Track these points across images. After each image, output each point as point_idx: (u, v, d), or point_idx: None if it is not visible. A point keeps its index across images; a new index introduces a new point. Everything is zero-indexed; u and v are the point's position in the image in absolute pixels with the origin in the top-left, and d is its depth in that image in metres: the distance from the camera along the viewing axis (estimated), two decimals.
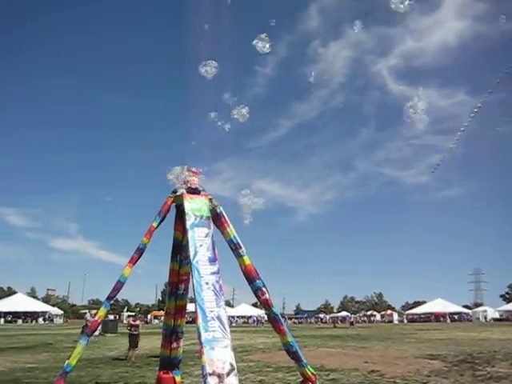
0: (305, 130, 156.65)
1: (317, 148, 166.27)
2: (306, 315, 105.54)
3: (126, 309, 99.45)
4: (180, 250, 10.94)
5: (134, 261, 9.67)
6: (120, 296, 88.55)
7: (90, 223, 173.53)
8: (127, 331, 19.93)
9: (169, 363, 11.58)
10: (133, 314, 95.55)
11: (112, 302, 10.16)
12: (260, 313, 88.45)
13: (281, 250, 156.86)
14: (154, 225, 9.94)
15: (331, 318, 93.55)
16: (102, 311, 9.98)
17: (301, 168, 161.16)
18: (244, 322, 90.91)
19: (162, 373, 11.61)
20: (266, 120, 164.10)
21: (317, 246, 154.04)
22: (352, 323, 68.19)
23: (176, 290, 11.27)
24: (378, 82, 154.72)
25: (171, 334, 11.48)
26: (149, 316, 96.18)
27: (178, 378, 11.71)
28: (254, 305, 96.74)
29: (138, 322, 20.42)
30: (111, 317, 69.76)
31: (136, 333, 19.04)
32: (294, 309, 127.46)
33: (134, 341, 18.83)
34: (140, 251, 9.75)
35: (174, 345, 11.52)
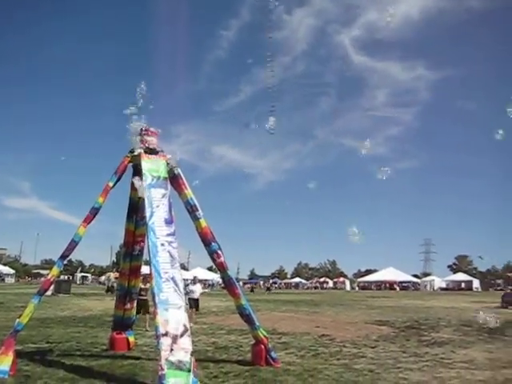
0: (266, 96, 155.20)
1: (277, 115, 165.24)
2: (260, 280, 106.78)
3: (79, 269, 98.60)
4: (136, 211, 10.84)
5: (88, 220, 9.50)
6: (74, 257, 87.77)
7: (44, 183, 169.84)
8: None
9: (122, 324, 11.58)
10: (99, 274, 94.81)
11: (65, 261, 10.02)
12: (215, 277, 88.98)
13: (238, 216, 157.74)
14: (110, 184, 9.76)
15: (264, 283, 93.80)
16: (55, 270, 9.83)
17: (261, 135, 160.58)
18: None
19: (115, 333, 11.61)
20: (227, 84, 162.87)
21: (273, 213, 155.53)
22: (268, 288, 68.79)
23: (131, 250, 11.20)
24: (340, 52, 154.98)
25: (125, 295, 11.45)
26: (103, 277, 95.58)
27: (131, 339, 11.74)
28: (209, 269, 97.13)
29: (148, 285, 18.39)
30: (65, 277, 68.90)
31: (145, 298, 16.51)
32: (249, 273, 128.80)
33: (144, 306, 16.50)
34: (95, 211, 9.57)
35: (128, 306, 11.52)
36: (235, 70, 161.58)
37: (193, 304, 17.66)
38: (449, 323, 18.60)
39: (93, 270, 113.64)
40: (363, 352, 12.00)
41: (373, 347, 12.80)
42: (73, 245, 9.44)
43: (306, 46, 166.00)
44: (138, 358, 10.55)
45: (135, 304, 11.86)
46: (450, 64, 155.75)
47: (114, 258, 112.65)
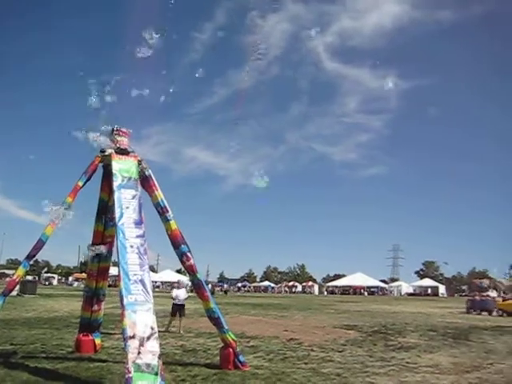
0: (238, 99, 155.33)
1: (249, 118, 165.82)
2: (229, 283, 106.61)
3: (45, 269, 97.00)
4: (105, 212, 10.72)
5: None
6: (41, 257, 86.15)
7: (10, 181, 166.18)
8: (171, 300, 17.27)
9: (89, 326, 11.42)
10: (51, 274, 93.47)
11: (32, 261, 9.83)
12: (184, 279, 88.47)
13: (208, 218, 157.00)
14: (80, 184, 9.64)
15: (213, 285, 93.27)
16: (21, 270, 9.66)
17: (232, 137, 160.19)
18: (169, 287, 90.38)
19: (81, 335, 11.44)
20: (201, 87, 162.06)
21: (244, 216, 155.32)
22: (226, 292, 69.35)
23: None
24: (313, 58, 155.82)
25: (92, 297, 11.30)
26: (70, 278, 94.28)
27: (97, 341, 11.58)
28: (178, 271, 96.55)
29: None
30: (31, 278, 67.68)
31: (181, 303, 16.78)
32: (218, 276, 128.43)
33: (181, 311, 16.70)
34: None
35: (95, 307, 11.36)
36: (209, 72, 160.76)
37: (177, 310, 16.68)
38: (415, 328, 18.83)
39: (60, 271, 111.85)
40: (331, 356, 12.06)
41: (340, 351, 12.88)
42: (40, 244, 9.29)
43: (279, 51, 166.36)
44: (104, 361, 10.40)
45: (103, 306, 11.68)
46: (420, 73, 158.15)
47: (81, 259, 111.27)
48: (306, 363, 11.02)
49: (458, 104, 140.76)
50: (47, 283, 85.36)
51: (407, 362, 11.41)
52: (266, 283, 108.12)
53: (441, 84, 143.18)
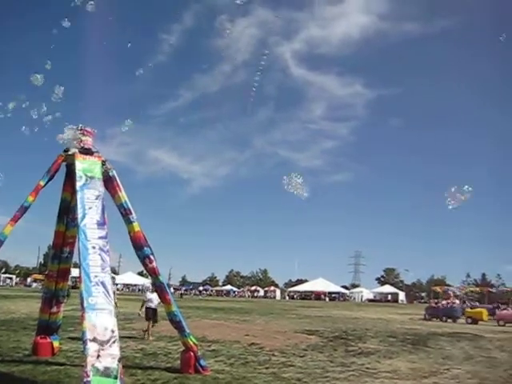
0: (204, 102, 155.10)
1: (215, 122, 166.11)
2: (191, 287, 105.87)
3: (3, 270, 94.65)
4: (67, 212, 10.53)
5: (16, 219, 9.14)
6: None
7: None
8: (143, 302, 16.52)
9: (47, 328, 11.19)
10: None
11: None
12: (145, 282, 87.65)
13: (171, 221, 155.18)
14: (42, 183, 9.44)
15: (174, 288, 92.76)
16: None
17: (197, 140, 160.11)
18: (130, 290, 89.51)
19: (39, 337, 11.20)
20: (166, 89, 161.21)
21: (207, 220, 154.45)
22: (181, 295, 69.40)
23: (60, 252, 10.86)
24: (281, 64, 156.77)
25: (52, 298, 11.08)
26: (29, 279, 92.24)
27: (55, 344, 11.36)
28: (140, 273, 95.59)
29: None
30: None
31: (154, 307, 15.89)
32: (180, 280, 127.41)
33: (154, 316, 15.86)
34: (23, 209, 9.22)
35: (54, 309, 11.14)
36: (175, 75, 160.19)
37: (150, 314, 15.78)
38: (375, 334, 19.06)
39: (18, 272, 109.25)
40: (292, 361, 12.13)
41: (301, 356, 12.95)
42: None
43: (246, 56, 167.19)
44: (62, 364, 10.22)
45: (62, 308, 11.46)
46: (385, 83, 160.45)
47: (41, 260, 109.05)
48: (267, 368, 11.05)
49: (422, 112, 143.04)
50: (5, 284, 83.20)
51: (367, 368, 11.56)
52: (229, 287, 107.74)
53: (405, 94, 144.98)
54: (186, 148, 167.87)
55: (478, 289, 60.42)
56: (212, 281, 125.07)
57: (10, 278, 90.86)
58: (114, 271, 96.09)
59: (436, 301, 40.19)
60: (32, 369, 9.63)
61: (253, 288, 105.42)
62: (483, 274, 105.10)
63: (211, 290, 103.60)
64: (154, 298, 15.64)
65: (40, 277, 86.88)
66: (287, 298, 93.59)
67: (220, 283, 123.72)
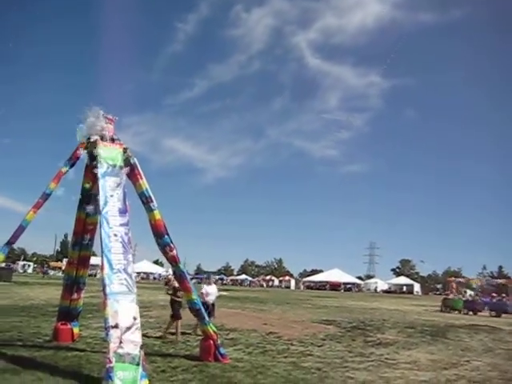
0: (220, 92, 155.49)
1: (230, 111, 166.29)
2: (205, 276, 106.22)
3: (22, 257, 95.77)
4: (88, 199, 10.53)
5: (38, 206, 9.21)
6: (16, 244, 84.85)
7: None
8: (168, 295, 13.58)
9: (68, 314, 11.27)
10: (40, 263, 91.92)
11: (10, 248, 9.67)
12: (160, 271, 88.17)
13: (186, 210, 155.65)
14: (63, 170, 9.49)
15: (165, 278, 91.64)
16: (0, 256, 9.47)
17: (212, 130, 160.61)
18: (142, 279, 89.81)
19: (59, 324, 11.29)
20: (181, 78, 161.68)
21: (222, 209, 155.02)
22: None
23: (81, 240, 10.90)
24: (296, 54, 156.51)
25: (72, 285, 11.15)
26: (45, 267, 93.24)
27: (75, 330, 11.45)
28: (156, 262, 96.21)
29: None
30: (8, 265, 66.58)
31: (180, 299, 12.94)
32: (195, 269, 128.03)
33: (177, 309, 13.09)
34: (46, 196, 9.29)
35: (75, 296, 11.21)
36: (190, 64, 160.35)
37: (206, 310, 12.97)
38: (393, 325, 18.97)
39: (35, 259, 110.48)
40: (310, 350, 12.10)
41: (320, 346, 12.92)
42: (20, 230, 9.14)
43: (261, 46, 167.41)
44: (83, 350, 10.29)
45: (82, 294, 11.52)
46: (401, 73, 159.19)
47: (58, 247, 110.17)
48: (285, 357, 11.04)
49: (437, 104, 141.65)
50: (23, 271, 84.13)
51: (386, 358, 11.48)
52: (243, 276, 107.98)
53: (421, 84, 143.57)
54: (201, 137, 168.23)
55: (502, 281, 59.63)
56: (227, 270, 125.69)
57: (28, 265, 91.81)
58: None
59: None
60: (53, 354, 9.71)
61: (267, 278, 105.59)
62: (500, 267, 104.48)
63: (226, 279, 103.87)
64: (211, 292, 13.82)
65: (57, 264, 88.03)
66: (302, 287, 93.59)
67: (235, 272, 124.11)
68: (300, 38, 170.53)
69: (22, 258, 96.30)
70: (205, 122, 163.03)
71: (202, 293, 13.23)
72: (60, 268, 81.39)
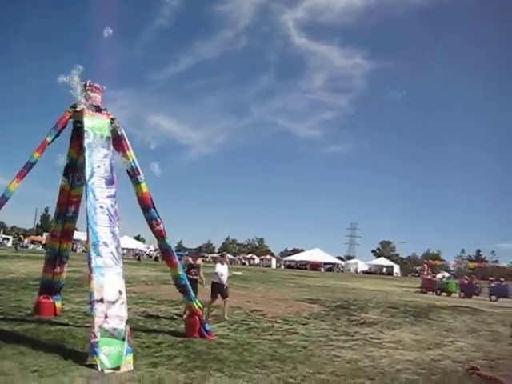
0: (205, 69, 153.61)
1: (214, 89, 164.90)
2: (186, 252, 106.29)
3: (1, 231, 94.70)
4: (74, 170, 10.27)
5: (22, 175, 8.88)
6: None
7: None
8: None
9: (50, 288, 11.05)
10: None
11: None
12: (141, 246, 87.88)
13: (169, 187, 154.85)
14: (49, 139, 9.13)
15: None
16: None
17: (197, 107, 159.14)
18: (123, 254, 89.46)
19: (41, 297, 11.07)
20: (166, 54, 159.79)
21: (205, 187, 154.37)
22: (156, 258, 67.91)
23: (65, 211, 10.64)
24: (283, 32, 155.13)
25: (55, 258, 10.92)
26: (26, 240, 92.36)
27: (58, 304, 11.24)
28: (137, 238, 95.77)
29: (199, 262, 13.03)
30: None
31: (196, 277, 12.39)
32: (176, 245, 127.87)
33: (192, 289, 11.27)
34: (29, 166, 8.95)
35: (58, 269, 10.98)
36: (176, 40, 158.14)
37: (219, 290, 12.96)
38: (376, 305, 19.01)
39: (15, 233, 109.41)
40: (295, 328, 12.09)
41: (304, 324, 12.92)
42: (3, 201, 8.82)
43: (248, 23, 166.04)
44: (65, 325, 10.09)
45: (65, 268, 11.29)
46: (386, 55, 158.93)
47: (38, 221, 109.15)
48: (270, 334, 11.01)
49: (422, 87, 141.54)
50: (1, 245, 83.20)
51: (370, 338, 11.52)
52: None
53: (406, 66, 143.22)
54: (185, 114, 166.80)
55: (476, 264, 60.50)
56: (208, 247, 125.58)
57: (7, 239, 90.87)
58: None
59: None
60: (35, 328, 9.50)
61: (248, 256, 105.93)
62: (478, 251, 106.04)
63: (207, 257, 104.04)
64: (223, 272, 13.15)
65: (37, 238, 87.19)
66: (283, 267, 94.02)
67: (216, 250, 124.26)
68: (287, 17, 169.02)
69: (2, 231, 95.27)
70: (189, 99, 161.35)
71: (215, 273, 12.95)
72: (40, 242, 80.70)
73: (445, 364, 9.11)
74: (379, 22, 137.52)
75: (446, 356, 9.94)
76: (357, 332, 12.22)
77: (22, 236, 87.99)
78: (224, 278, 13.05)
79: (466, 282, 34.02)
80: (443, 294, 32.47)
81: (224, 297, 12.98)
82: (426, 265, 47.91)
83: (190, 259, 12.73)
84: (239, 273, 33.02)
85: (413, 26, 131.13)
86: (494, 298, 30.99)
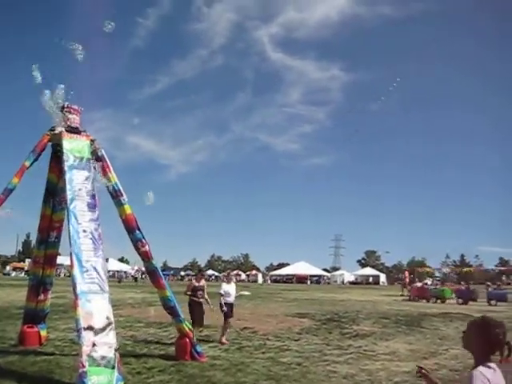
0: (182, 88, 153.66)
1: (193, 107, 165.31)
2: (172, 272, 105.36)
3: None
4: (54, 194, 10.01)
5: (0, 202, 8.60)
6: None
7: None
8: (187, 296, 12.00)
9: (34, 316, 10.71)
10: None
11: None
12: (125, 269, 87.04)
13: (150, 207, 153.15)
14: (27, 164, 8.89)
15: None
16: None
17: (175, 126, 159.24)
18: (110, 276, 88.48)
19: (26, 327, 10.71)
20: (143, 74, 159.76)
21: (187, 205, 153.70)
22: (135, 279, 67.73)
23: (47, 237, 10.35)
24: (258, 48, 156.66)
25: (39, 285, 10.59)
26: (8, 267, 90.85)
27: (43, 333, 10.91)
28: (121, 260, 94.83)
29: (203, 283, 12.22)
30: None
31: (202, 300, 11.77)
32: (161, 265, 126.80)
33: (199, 313, 11.58)
34: (8, 192, 8.69)
35: (42, 297, 10.65)
36: (152, 60, 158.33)
37: (228, 310, 12.31)
38: (367, 316, 18.88)
39: None
40: (287, 345, 11.89)
41: (296, 340, 12.72)
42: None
43: (224, 40, 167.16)
44: (52, 354, 9.78)
45: (49, 295, 10.97)
46: (362, 66, 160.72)
47: (19, 248, 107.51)
48: (263, 352, 10.80)
49: (397, 98, 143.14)
50: None
51: (365, 350, 11.36)
52: (210, 272, 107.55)
53: (382, 78, 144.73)
54: (164, 134, 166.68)
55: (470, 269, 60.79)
56: (193, 266, 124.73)
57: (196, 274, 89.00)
58: None
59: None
60: (20, 360, 9.18)
61: (234, 272, 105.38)
62: (462, 255, 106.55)
63: (192, 275, 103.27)
64: (231, 292, 12.65)
65: (19, 265, 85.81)
66: (269, 281, 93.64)
67: (202, 268, 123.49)
68: (262, 33, 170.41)
69: None
70: (168, 119, 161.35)
71: (220, 293, 12.42)
72: (22, 268, 79.48)
73: (442, 373, 8.98)
74: (353, 35, 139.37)
75: (442, 365, 9.83)
76: (350, 345, 12.05)
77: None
78: (231, 298, 12.57)
79: (462, 288, 34.01)
80: (438, 301, 32.14)
81: (228, 316, 12.39)
82: (406, 272, 48.11)
83: (193, 281, 12.20)
84: (246, 292, 31.67)
85: (386, 35, 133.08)
86: (493, 302, 30.74)
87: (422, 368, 3.20)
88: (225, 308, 12.13)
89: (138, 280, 64.08)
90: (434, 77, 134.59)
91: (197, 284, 11.89)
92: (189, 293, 11.79)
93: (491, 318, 3.00)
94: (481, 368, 2.71)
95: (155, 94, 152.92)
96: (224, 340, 12.11)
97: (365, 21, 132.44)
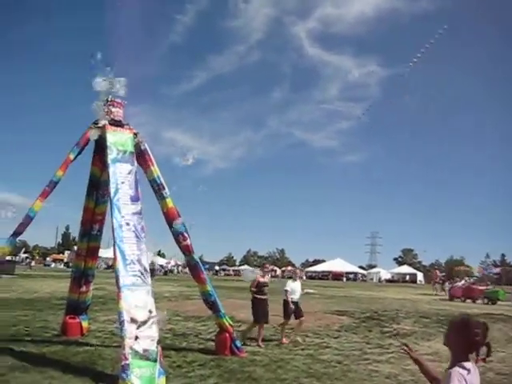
0: (219, 83, 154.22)
1: (230, 103, 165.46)
2: (207, 266, 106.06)
3: (23, 250, 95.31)
4: (97, 187, 10.10)
5: (45, 195, 8.73)
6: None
7: None
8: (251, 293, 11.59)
9: (76, 308, 10.86)
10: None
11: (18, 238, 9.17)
12: (163, 262, 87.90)
13: (187, 202, 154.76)
14: (71, 157, 8.97)
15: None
16: (6, 248, 9.02)
17: (213, 121, 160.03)
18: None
19: (68, 317, 10.87)
20: (181, 70, 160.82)
21: (224, 201, 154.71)
22: (165, 272, 67.51)
23: (90, 230, 10.46)
24: (296, 44, 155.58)
25: (81, 277, 10.71)
26: (48, 259, 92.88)
27: (84, 324, 11.05)
28: (158, 254, 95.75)
29: (267, 278, 11.90)
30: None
31: (265, 297, 11.49)
32: None
33: (263, 310, 11.38)
34: (53, 184, 8.80)
35: (84, 288, 10.78)
36: (190, 56, 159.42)
37: (292, 309, 11.83)
38: (407, 315, 18.54)
39: (37, 251, 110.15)
40: (327, 342, 11.76)
41: (336, 338, 12.57)
42: (27, 221, 8.66)
43: (261, 36, 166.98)
44: (93, 345, 9.87)
45: (91, 287, 11.10)
46: (399, 62, 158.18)
47: (59, 240, 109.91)
48: (302, 349, 10.71)
49: (436, 93, 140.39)
50: (26, 263, 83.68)
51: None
52: (246, 267, 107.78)
53: (418, 73, 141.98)
54: (201, 129, 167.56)
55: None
56: (229, 260, 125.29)
57: (32, 258, 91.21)
58: None
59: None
60: (63, 350, 9.30)
61: (270, 268, 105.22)
62: (502, 255, 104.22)
63: (228, 270, 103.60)
64: (296, 289, 12.17)
65: (59, 257, 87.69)
66: (304, 277, 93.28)
67: (237, 263, 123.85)
68: (299, 28, 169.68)
69: (24, 250, 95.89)
70: (205, 114, 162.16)
71: (286, 290, 11.93)
72: (61, 260, 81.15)
73: (489, 376, 8.72)
74: (390, 30, 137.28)
75: (488, 368, 9.44)
76: (391, 344, 11.82)
77: (31, 253, 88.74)
78: (297, 296, 12.08)
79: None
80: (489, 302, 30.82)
81: (299, 316, 12.05)
82: (437, 271, 47.52)
83: (259, 277, 11.61)
84: (312, 290, 30.90)
85: (424, 30, 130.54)
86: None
87: (407, 346, 3.23)
88: (292, 306, 11.75)
89: (167, 274, 64.77)
90: (472, 74, 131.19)
91: (261, 280, 11.47)
92: (253, 289, 11.44)
93: (472, 317, 3.06)
94: (457, 367, 2.81)
95: (193, 89, 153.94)
96: (299, 338, 11.94)
97: (400, 16, 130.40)
